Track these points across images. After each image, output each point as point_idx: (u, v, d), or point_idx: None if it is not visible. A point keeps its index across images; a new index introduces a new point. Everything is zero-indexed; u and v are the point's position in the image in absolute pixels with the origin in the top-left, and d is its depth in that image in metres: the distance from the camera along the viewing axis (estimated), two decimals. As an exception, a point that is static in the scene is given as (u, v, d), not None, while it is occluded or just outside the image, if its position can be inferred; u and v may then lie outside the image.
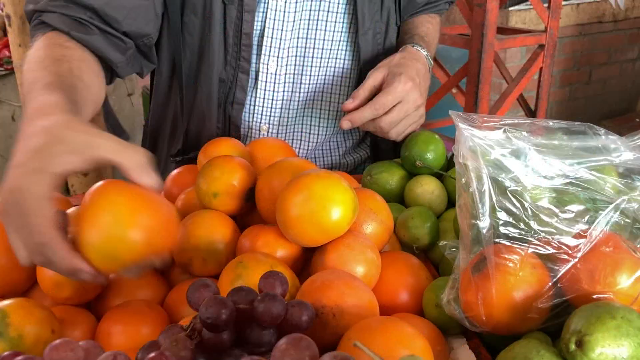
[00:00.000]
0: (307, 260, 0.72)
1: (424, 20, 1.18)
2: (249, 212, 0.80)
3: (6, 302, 0.59)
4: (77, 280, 0.58)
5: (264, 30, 1.02)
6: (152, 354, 0.44)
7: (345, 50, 1.07)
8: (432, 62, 1.06)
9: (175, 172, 0.91)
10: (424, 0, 1.17)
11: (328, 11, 1.03)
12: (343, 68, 1.08)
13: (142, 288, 0.71)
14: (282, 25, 1.02)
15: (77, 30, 0.85)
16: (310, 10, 1.03)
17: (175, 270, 0.76)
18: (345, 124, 0.91)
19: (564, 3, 3.39)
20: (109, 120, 0.93)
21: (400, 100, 0.92)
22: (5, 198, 0.55)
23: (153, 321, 0.63)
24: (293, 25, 1.03)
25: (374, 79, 0.94)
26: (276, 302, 0.50)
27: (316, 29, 1.04)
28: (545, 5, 2.32)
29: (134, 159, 0.57)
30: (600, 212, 0.60)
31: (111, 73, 0.96)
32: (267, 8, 1.00)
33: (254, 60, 1.03)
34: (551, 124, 0.64)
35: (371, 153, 1.20)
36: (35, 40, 0.83)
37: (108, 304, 0.69)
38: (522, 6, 3.46)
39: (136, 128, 2.80)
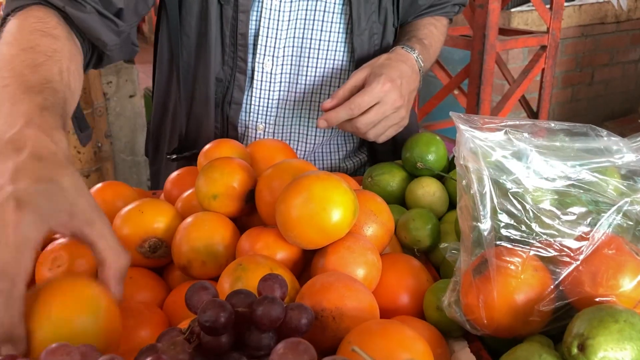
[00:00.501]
0: (307, 263, 0.72)
1: (427, 22, 1.16)
2: (248, 214, 0.79)
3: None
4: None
5: (259, 29, 1.02)
6: (150, 358, 0.44)
7: (342, 51, 1.07)
8: (422, 64, 1.03)
9: (174, 174, 0.91)
10: (427, 2, 1.16)
11: (324, 11, 1.03)
12: (340, 69, 1.08)
13: (141, 290, 0.71)
14: (277, 25, 1.02)
15: (72, 7, 0.81)
16: (305, 10, 1.03)
17: (175, 272, 0.76)
18: (321, 122, 0.90)
19: (566, 4, 3.39)
20: (76, 113, 0.89)
21: (378, 101, 0.90)
22: None
23: (151, 323, 0.63)
24: (288, 25, 1.02)
25: (355, 79, 0.93)
26: (275, 305, 0.50)
27: (312, 29, 1.04)
28: (547, 6, 2.31)
29: (119, 262, 0.54)
30: (602, 214, 0.59)
31: (99, 58, 0.92)
32: (262, 7, 1.00)
33: (249, 59, 1.03)
34: (553, 125, 0.64)
35: (370, 157, 1.19)
36: (24, 9, 0.76)
37: (107, 306, 0.69)
38: (524, 7, 3.46)
39: (138, 130, 2.80)
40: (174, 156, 1.10)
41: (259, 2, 1.00)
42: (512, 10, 3.36)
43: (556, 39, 2.25)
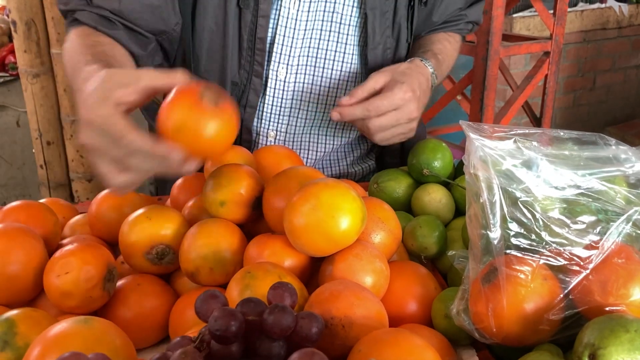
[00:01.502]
0: (314, 270, 0.72)
1: (441, 37, 1.16)
2: (255, 221, 0.79)
3: (14, 311, 0.59)
4: (174, 170, 0.63)
5: (274, 37, 1.02)
6: (161, 367, 0.44)
7: (355, 64, 1.07)
8: (435, 80, 1.04)
9: (181, 180, 0.91)
10: (441, 19, 1.16)
11: (340, 23, 1.03)
12: (352, 81, 1.08)
13: (148, 297, 0.71)
14: (293, 34, 1.02)
15: (102, 26, 0.92)
16: (322, 21, 1.03)
17: (182, 279, 0.76)
18: (335, 115, 0.90)
19: (568, 10, 3.39)
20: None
21: (396, 107, 0.91)
22: (84, 135, 0.64)
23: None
24: (304, 35, 1.03)
25: (375, 81, 0.93)
26: (286, 313, 0.50)
27: (328, 40, 1.04)
28: (551, 12, 2.32)
29: (175, 77, 0.64)
30: (611, 223, 0.59)
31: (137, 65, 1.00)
32: (279, 15, 1.01)
33: (264, 65, 1.04)
34: (562, 134, 0.64)
35: (377, 164, 1.20)
36: (69, 34, 0.93)
37: (115, 313, 0.69)
38: (526, 12, 3.46)
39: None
40: None
41: (276, 10, 1.01)
42: (514, 15, 3.37)
43: (559, 45, 2.25)
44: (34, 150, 2.17)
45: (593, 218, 0.59)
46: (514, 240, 0.59)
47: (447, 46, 1.14)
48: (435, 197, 0.89)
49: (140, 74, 0.65)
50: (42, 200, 0.87)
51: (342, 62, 1.06)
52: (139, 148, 0.61)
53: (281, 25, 1.01)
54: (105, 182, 0.65)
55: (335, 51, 1.05)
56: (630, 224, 0.58)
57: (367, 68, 1.07)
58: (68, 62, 0.86)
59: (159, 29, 0.98)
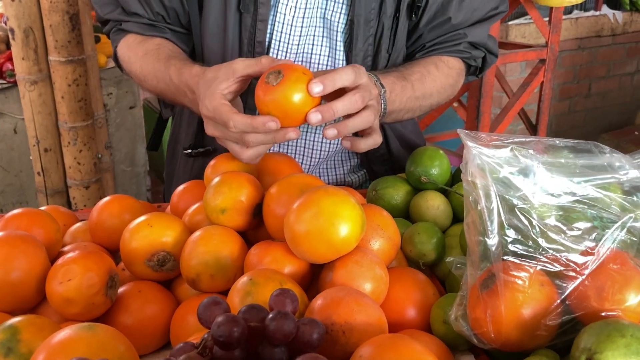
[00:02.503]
0: (314, 276, 0.72)
1: (429, 60, 1.08)
2: (255, 228, 0.80)
3: (17, 318, 0.59)
4: (280, 138, 0.78)
5: (271, 41, 1.04)
6: (166, 372, 0.45)
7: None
8: (385, 105, 0.93)
9: (181, 187, 0.92)
10: (432, 36, 1.09)
11: (330, 29, 1.05)
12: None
13: (150, 303, 0.72)
14: (288, 39, 1.04)
15: (151, 31, 1.06)
16: (315, 27, 1.05)
17: (183, 285, 0.76)
18: (330, 133, 0.80)
19: (563, 17, 3.42)
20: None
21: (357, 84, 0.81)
22: (208, 128, 0.83)
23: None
24: (299, 40, 1.04)
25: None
26: (287, 320, 0.51)
27: (320, 45, 1.06)
28: (546, 19, 2.34)
29: (261, 64, 0.80)
30: (607, 229, 0.60)
31: None
32: (275, 20, 1.03)
33: None
34: (557, 142, 0.65)
35: (368, 174, 1.20)
36: (119, 42, 1.08)
37: (116, 319, 0.69)
38: (521, 20, 3.49)
39: (137, 141, 2.81)
40: (189, 151, 1.14)
41: (273, 15, 1.03)
42: (510, 23, 3.39)
43: (555, 52, 2.27)
44: (31, 158, 2.18)
45: (589, 225, 0.60)
46: (511, 247, 0.60)
47: (432, 70, 1.06)
48: (433, 204, 0.90)
49: (234, 66, 0.80)
50: (42, 208, 0.88)
51: (333, 67, 1.07)
52: (243, 125, 0.76)
53: (277, 31, 1.04)
54: (238, 158, 0.82)
55: (328, 56, 1.07)
56: (625, 230, 0.59)
57: None
58: (144, 66, 1.02)
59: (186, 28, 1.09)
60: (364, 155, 1.15)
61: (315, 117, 0.76)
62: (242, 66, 0.80)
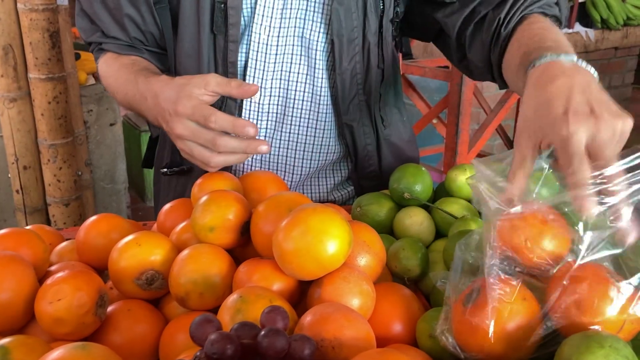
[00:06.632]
0: (303, 293, 0.74)
1: (535, 26, 0.87)
2: (243, 246, 0.81)
3: (7, 339, 0.59)
4: (252, 149, 0.82)
5: (247, 61, 1.06)
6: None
7: (325, 87, 1.10)
8: (574, 57, 0.71)
9: (167, 206, 0.92)
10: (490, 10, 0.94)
11: (308, 48, 1.07)
12: (325, 104, 1.11)
13: (139, 322, 0.72)
14: (265, 58, 1.06)
15: (129, 51, 1.10)
16: (293, 45, 1.06)
17: (171, 304, 0.77)
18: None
19: (537, 35, 3.50)
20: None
21: (575, 147, 0.61)
22: (179, 127, 0.83)
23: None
24: (276, 59, 1.06)
25: (520, 150, 0.65)
26: (280, 336, 0.52)
27: (299, 64, 1.07)
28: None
29: (231, 86, 0.83)
30: (582, 242, 0.63)
31: None
32: (251, 40, 1.04)
33: None
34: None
35: (355, 189, 1.22)
36: (100, 59, 1.12)
37: (106, 338, 0.69)
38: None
39: (118, 158, 2.79)
40: (165, 170, 1.16)
41: (248, 35, 1.04)
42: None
43: (530, 69, 2.33)
44: (9, 175, 2.15)
45: (569, 238, 0.63)
46: (495, 262, 0.62)
47: (554, 32, 0.85)
48: (416, 220, 0.92)
49: (207, 79, 0.83)
50: (28, 227, 0.88)
51: (313, 85, 1.09)
52: (226, 121, 0.80)
53: (253, 50, 1.05)
54: (204, 163, 0.83)
55: (307, 74, 1.08)
56: (601, 244, 0.62)
57: (336, 92, 1.09)
58: (118, 81, 1.05)
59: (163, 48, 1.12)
60: (354, 171, 1.17)
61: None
62: (215, 82, 0.82)
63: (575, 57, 0.71)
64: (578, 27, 3.87)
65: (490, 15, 0.97)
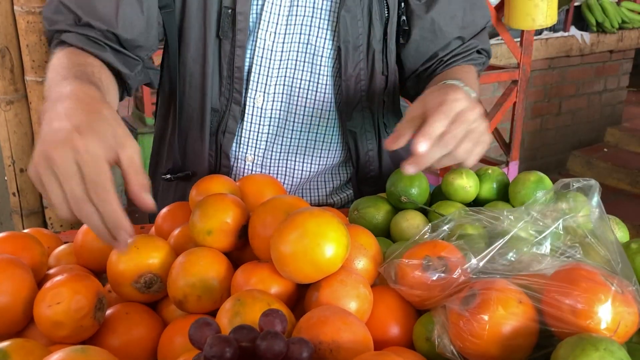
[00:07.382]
0: (300, 296, 0.74)
1: (459, 69, 1.09)
2: (241, 249, 0.81)
3: (6, 342, 0.60)
4: (108, 242, 0.66)
5: (252, 66, 1.06)
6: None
7: (330, 94, 1.10)
8: (473, 94, 0.89)
9: (165, 209, 0.93)
10: (449, 51, 1.10)
11: (314, 54, 1.07)
12: (328, 110, 1.11)
13: (137, 325, 0.72)
14: (269, 63, 1.06)
15: (90, 47, 0.94)
16: (297, 52, 1.07)
17: (169, 307, 0.77)
18: (410, 169, 0.77)
19: (534, 38, 3.52)
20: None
21: (455, 116, 0.77)
22: (54, 156, 0.62)
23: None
24: (280, 64, 1.07)
25: (411, 110, 0.82)
26: (278, 339, 0.52)
27: (302, 70, 1.08)
28: (517, 39, 2.41)
29: (138, 180, 0.67)
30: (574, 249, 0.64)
31: (123, 88, 1.02)
32: (256, 46, 1.05)
33: (242, 93, 1.07)
34: None
35: (354, 193, 1.22)
36: (54, 53, 0.93)
37: (104, 342, 0.70)
38: (493, 41, 3.58)
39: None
40: (167, 176, 1.14)
41: (253, 40, 1.05)
42: (482, 43, 3.47)
43: (527, 73, 2.34)
44: (6, 178, 2.15)
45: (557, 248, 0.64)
46: (490, 265, 0.62)
47: (469, 75, 1.05)
48: (413, 223, 0.92)
49: (125, 142, 0.66)
50: (26, 230, 0.88)
51: (317, 91, 1.10)
52: (110, 211, 0.63)
53: (257, 56, 1.06)
54: (53, 205, 0.65)
55: (310, 81, 1.09)
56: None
57: (340, 98, 1.10)
58: (52, 74, 0.85)
59: (150, 47, 1.04)
60: (355, 175, 1.17)
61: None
62: (131, 155, 0.67)
63: (475, 95, 0.91)
64: (573, 31, 3.89)
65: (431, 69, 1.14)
